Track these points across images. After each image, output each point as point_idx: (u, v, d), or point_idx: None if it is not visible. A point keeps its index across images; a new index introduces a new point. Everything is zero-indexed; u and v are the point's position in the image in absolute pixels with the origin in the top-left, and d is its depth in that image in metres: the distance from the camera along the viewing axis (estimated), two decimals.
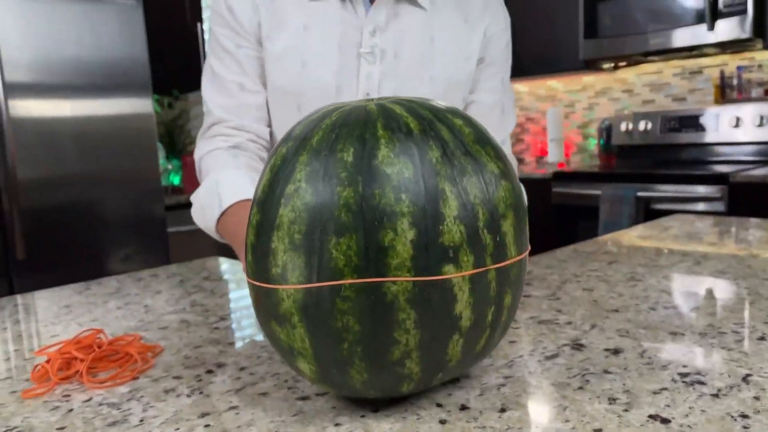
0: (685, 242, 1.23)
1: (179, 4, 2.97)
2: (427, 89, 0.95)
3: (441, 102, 0.58)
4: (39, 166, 2.25)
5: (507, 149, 1.08)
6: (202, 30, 2.97)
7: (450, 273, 0.49)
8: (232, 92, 0.95)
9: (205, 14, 3.17)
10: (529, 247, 0.58)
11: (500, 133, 1.05)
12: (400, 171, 0.49)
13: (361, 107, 0.55)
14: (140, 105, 2.47)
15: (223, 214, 0.85)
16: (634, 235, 1.33)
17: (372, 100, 0.59)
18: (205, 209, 0.88)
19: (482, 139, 0.55)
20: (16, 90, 2.17)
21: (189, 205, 0.84)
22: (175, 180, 2.97)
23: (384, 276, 0.47)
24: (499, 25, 1.03)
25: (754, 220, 1.44)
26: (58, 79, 2.27)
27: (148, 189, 2.52)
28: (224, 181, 0.88)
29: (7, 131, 2.12)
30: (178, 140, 3.14)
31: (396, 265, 0.47)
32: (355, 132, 0.51)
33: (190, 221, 0.87)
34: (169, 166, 2.94)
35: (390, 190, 0.48)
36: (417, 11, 0.95)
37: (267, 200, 0.52)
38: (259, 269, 0.52)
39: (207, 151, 0.95)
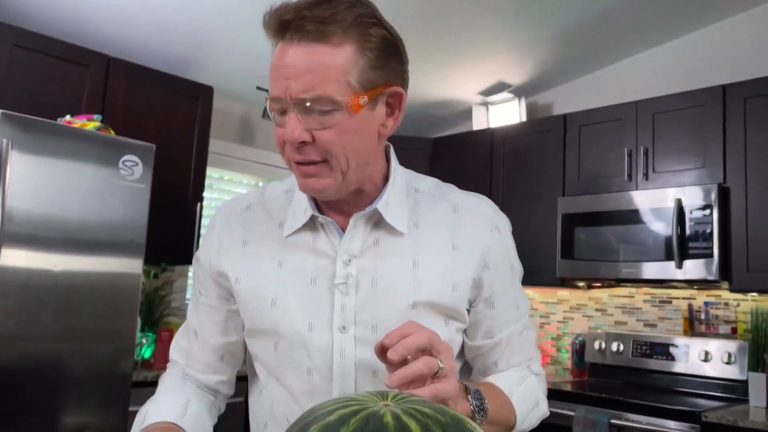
0: None
1: (184, 184, 3.13)
2: (408, 316, 0.88)
3: (454, 412, 0.61)
4: (15, 318, 2.21)
5: (537, 365, 1.03)
6: (201, 208, 3.10)
7: None
8: (189, 337, 1.02)
9: (205, 193, 3.33)
10: None
11: (523, 353, 1.00)
12: None
13: (379, 417, 0.58)
14: (130, 267, 2.49)
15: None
16: None
17: (387, 399, 0.61)
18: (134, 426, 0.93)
19: None
20: (13, 240, 2.20)
21: (155, 383, 0.93)
22: (147, 353, 2.91)
23: None
24: (498, 249, 0.95)
25: None
26: (56, 234, 2.32)
27: (119, 355, 2.45)
28: (156, 401, 0.95)
29: None
30: (156, 310, 3.13)
31: None
32: None
33: None
34: (143, 340, 2.89)
35: None
36: (397, 236, 0.91)
37: None
38: None
39: (164, 374, 1.04)
